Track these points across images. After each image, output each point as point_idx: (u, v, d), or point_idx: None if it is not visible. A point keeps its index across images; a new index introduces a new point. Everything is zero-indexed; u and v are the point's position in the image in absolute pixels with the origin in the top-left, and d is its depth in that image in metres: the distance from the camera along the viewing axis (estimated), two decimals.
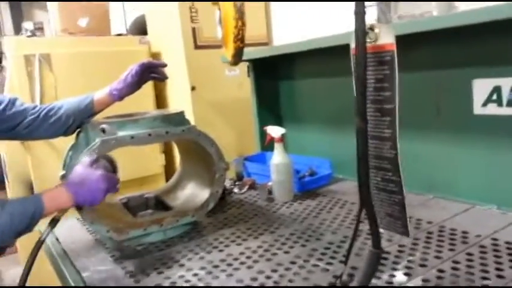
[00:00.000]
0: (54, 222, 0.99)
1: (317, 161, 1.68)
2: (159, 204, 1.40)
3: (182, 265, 1.04)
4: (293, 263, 1.00)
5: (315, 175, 1.63)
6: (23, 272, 0.93)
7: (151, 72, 1.25)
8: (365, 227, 1.08)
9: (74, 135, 1.24)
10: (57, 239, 1.25)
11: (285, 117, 2.03)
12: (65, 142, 1.24)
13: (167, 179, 2.59)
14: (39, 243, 0.95)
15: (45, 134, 1.15)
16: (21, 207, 0.87)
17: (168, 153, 2.74)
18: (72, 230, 1.31)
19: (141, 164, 2.44)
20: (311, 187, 1.56)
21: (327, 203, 1.40)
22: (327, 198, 1.45)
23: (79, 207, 1.00)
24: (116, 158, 1.12)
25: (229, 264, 1.02)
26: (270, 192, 1.50)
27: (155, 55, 2.52)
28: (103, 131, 1.12)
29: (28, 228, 0.90)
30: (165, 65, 1.26)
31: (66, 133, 1.20)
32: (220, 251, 1.10)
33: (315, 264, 0.98)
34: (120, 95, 1.21)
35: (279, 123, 1.95)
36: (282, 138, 1.47)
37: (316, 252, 1.04)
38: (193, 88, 2.43)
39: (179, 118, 1.25)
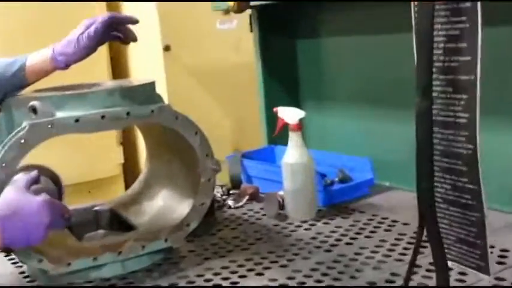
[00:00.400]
0: None
1: (351, 160, 1.67)
2: (116, 221, 1.40)
3: None
4: None
5: (349, 181, 1.63)
6: None
7: (115, 30, 1.24)
8: (424, 259, 1.08)
9: None
10: None
11: (304, 94, 2.03)
12: None
13: (127, 185, 2.59)
14: None
15: None
16: None
17: (129, 145, 2.75)
18: None
19: (89, 161, 2.45)
20: (342, 199, 1.57)
21: (366, 223, 1.40)
22: (365, 216, 1.45)
23: (5, 250, 1.00)
24: (52, 155, 1.12)
25: None
26: (281, 206, 1.50)
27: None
28: (33, 110, 1.11)
29: None
30: (136, 21, 1.25)
31: None
32: None
33: None
34: (68, 62, 1.22)
35: (296, 103, 1.95)
36: (301, 126, 1.47)
37: None
38: (167, 48, 2.43)
39: (147, 93, 1.25)
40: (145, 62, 2.53)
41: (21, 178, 1.01)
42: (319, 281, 1.11)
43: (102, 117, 1.14)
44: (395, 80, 1.66)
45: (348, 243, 1.29)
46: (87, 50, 1.21)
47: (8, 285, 1.22)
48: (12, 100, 1.18)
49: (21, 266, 1.29)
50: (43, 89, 1.27)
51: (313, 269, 1.16)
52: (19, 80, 1.19)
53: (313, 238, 1.33)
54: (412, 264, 0.81)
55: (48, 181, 1.02)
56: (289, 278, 1.13)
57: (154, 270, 1.22)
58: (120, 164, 2.66)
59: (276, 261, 1.22)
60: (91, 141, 2.37)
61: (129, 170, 2.71)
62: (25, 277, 1.25)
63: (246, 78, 2.48)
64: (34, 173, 1.02)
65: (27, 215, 0.94)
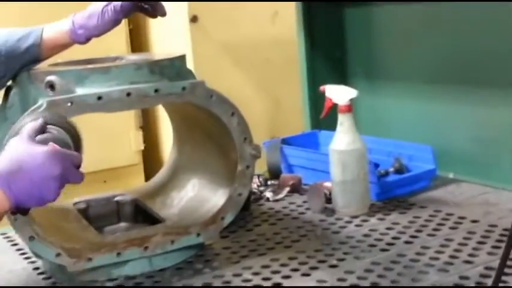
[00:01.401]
0: None
1: (410, 148, 1.67)
2: (140, 213, 1.43)
3: None
4: None
5: (406, 172, 1.62)
6: None
7: (142, 2, 1.25)
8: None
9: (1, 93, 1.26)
10: None
11: (353, 71, 2.02)
12: None
13: (147, 174, 2.62)
14: None
15: None
16: None
17: (149, 130, 2.78)
18: None
19: (104, 147, 2.48)
20: (399, 192, 1.56)
21: (428, 219, 1.40)
22: (427, 212, 1.44)
23: (20, 211, 1.01)
24: None
25: None
26: (328, 199, 1.50)
27: None
28: (51, 86, 1.13)
29: None
30: None
31: None
32: None
33: None
34: (88, 36, 1.23)
35: (343, 82, 1.94)
36: (351, 107, 1.47)
37: None
38: (194, 19, 2.43)
39: (177, 68, 1.26)
40: (168, 35, 2.54)
41: (27, 126, 1.00)
42: (375, 284, 1.11)
43: (128, 94, 1.16)
44: (465, 54, 1.64)
45: (407, 242, 1.28)
46: (111, 24, 1.22)
47: (19, 284, 1.25)
48: (27, 75, 1.20)
49: (34, 262, 1.32)
50: (60, 63, 1.29)
51: (367, 270, 1.16)
52: (33, 55, 1.21)
53: (366, 235, 1.33)
54: (504, 264, 0.78)
55: (60, 131, 1.02)
56: (340, 280, 1.13)
57: (185, 269, 1.24)
58: (140, 151, 2.69)
59: (324, 261, 1.22)
60: (107, 125, 2.41)
61: (150, 158, 2.73)
62: (39, 273, 1.28)
63: (283, 54, 2.47)
64: (40, 120, 1.01)
65: (33, 169, 0.93)
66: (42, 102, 1.10)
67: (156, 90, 1.18)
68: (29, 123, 1.01)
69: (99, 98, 1.13)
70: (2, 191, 0.93)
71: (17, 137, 0.98)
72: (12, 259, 1.36)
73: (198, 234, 1.26)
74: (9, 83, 1.24)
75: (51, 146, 0.96)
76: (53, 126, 1.01)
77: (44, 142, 0.97)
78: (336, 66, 2.02)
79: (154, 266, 1.24)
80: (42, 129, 1.00)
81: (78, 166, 1.00)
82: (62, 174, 0.95)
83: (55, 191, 0.96)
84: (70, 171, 0.97)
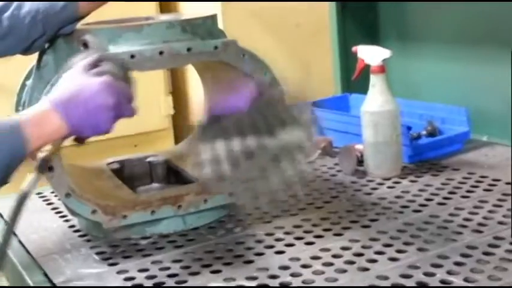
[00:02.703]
0: (42, 166, 1.01)
1: (443, 110, 1.65)
2: (172, 174, 1.44)
3: (217, 272, 1.07)
4: (406, 277, 0.99)
5: (439, 135, 1.60)
6: (1, 243, 0.99)
7: None
8: None
9: (34, 55, 1.27)
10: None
11: (385, 34, 1.99)
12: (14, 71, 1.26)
13: (177, 139, 2.64)
14: (21, 199, 0.98)
15: None
16: None
17: (179, 95, 2.78)
18: (32, 212, 1.37)
19: None
20: (431, 155, 1.55)
21: (462, 181, 1.39)
22: (460, 174, 1.43)
23: (78, 140, 1.03)
24: None
25: (296, 275, 1.03)
26: (360, 161, 1.50)
27: None
28: (84, 45, 1.13)
29: (4, 178, 0.94)
30: None
31: (27, 50, 1.23)
32: (279, 253, 1.12)
33: (445, 280, 0.97)
34: None
35: (375, 42, 1.91)
36: (384, 68, 1.45)
37: (447, 261, 1.03)
38: None
39: (208, 27, 1.25)
40: None
41: (84, 60, 1.02)
42: (408, 244, 1.10)
43: (161, 53, 1.16)
44: (499, 14, 1.61)
45: (440, 204, 1.28)
46: None
47: (55, 240, 1.27)
48: (62, 36, 1.21)
49: (69, 220, 1.35)
50: (93, 23, 1.30)
51: (400, 230, 1.16)
52: (70, 12, 1.20)
53: (399, 197, 1.33)
54: None
55: (114, 67, 1.03)
56: (373, 240, 1.14)
57: (218, 228, 1.25)
58: (169, 115, 2.70)
59: (357, 221, 1.22)
60: (138, 90, 2.41)
61: (180, 123, 2.75)
62: (75, 231, 1.30)
63: (313, 19, 2.45)
64: (94, 55, 1.03)
65: (89, 97, 0.96)
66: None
67: (188, 49, 1.18)
68: (83, 60, 1.02)
69: (132, 56, 1.13)
70: (59, 116, 0.95)
71: (72, 69, 1.00)
72: (48, 218, 1.39)
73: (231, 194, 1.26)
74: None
75: (107, 76, 0.98)
76: (107, 61, 1.03)
77: (100, 74, 0.99)
78: (367, 29, 1.99)
79: (187, 224, 1.25)
80: (96, 64, 1.01)
81: (131, 101, 1.01)
82: (116, 106, 0.98)
83: (109, 121, 0.99)
84: (124, 104, 1.00)
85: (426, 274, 0.99)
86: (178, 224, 1.24)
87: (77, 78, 0.98)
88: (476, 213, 1.21)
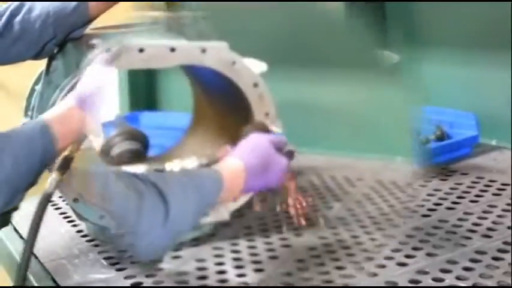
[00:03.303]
0: (63, 164, 0.99)
1: (451, 115, 1.64)
2: None
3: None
4: (415, 282, 0.99)
5: (448, 139, 1.59)
6: (25, 245, 0.97)
7: None
8: None
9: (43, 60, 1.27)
10: (16, 230, 1.32)
11: (393, 36, 1.97)
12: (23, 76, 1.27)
13: None
14: (45, 199, 0.97)
15: (4, 57, 1.19)
16: (27, 145, 0.89)
17: None
18: None
19: None
20: (440, 159, 1.53)
21: (471, 186, 1.38)
22: (469, 179, 1.43)
23: None
24: None
25: None
26: None
27: None
28: (93, 48, 1.13)
29: (36, 178, 0.92)
30: None
31: (38, 55, 1.22)
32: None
33: (454, 285, 0.96)
34: None
35: (383, 46, 1.90)
36: None
37: (456, 266, 1.02)
38: None
39: (198, 27, 1.21)
40: None
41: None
42: (416, 249, 1.10)
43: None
44: (507, 19, 1.60)
45: (449, 208, 1.27)
46: None
47: (63, 244, 1.27)
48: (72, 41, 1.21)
49: (77, 225, 1.34)
50: (100, 27, 1.29)
51: (409, 236, 1.16)
52: (81, 14, 1.19)
53: (407, 201, 1.32)
54: None
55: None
56: (381, 245, 1.13)
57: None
58: None
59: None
60: None
61: None
62: (83, 236, 1.30)
63: None
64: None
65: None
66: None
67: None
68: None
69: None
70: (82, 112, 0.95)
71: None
72: (55, 222, 1.38)
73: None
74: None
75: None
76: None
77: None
78: (374, 29, 1.98)
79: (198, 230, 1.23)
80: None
81: None
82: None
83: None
84: None
85: (435, 279, 0.99)
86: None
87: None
88: (486, 218, 1.20)
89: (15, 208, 0.94)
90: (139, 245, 0.79)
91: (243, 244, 1.16)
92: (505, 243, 1.09)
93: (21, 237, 1.27)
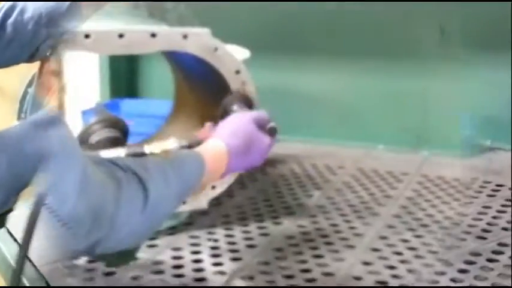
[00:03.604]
0: None
1: None
2: None
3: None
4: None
5: None
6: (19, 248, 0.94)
7: None
8: None
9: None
10: (10, 234, 1.28)
11: None
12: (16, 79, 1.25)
13: None
14: (39, 202, 0.94)
15: None
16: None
17: None
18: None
19: None
20: None
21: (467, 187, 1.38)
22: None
23: None
24: None
25: None
26: None
27: None
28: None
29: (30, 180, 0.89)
30: None
31: (32, 58, 1.18)
32: None
33: (448, 287, 0.95)
34: None
35: None
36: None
37: (451, 268, 1.00)
38: None
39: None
40: None
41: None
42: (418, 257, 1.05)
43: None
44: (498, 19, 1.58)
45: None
46: None
47: None
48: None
49: None
50: None
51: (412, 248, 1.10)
52: (74, 14, 1.15)
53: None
54: None
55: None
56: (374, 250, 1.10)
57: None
58: None
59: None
60: None
61: None
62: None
63: None
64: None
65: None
66: None
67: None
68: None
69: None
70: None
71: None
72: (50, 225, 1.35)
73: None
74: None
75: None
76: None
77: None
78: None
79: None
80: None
81: None
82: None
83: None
84: None
85: (435, 282, 0.96)
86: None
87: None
88: (480, 219, 1.19)
89: (10, 210, 0.91)
90: (115, 237, 0.77)
91: (220, 233, 1.15)
92: (500, 244, 1.08)
93: (15, 240, 1.24)
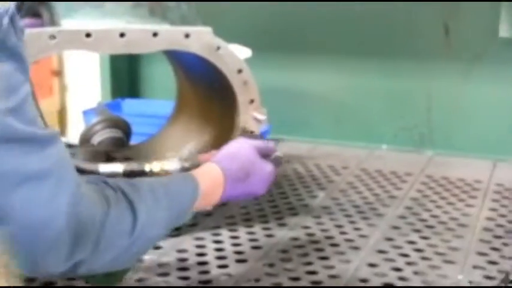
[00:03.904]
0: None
1: None
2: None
3: None
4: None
5: None
6: None
7: None
8: None
9: None
10: None
11: None
12: None
13: None
14: None
15: None
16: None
17: None
18: None
19: None
20: None
21: None
22: None
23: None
24: None
25: None
26: None
27: None
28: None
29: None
30: None
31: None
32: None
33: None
34: None
35: None
36: None
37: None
38: None
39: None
40: None
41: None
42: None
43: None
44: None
45: None
46: None
47: None
48: None
49: None
50: None
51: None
52: None
53: None
54: None
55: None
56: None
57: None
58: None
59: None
60: None
61: None
62: None
63: None
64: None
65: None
66: None
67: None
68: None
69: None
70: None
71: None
72: None
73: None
74: None
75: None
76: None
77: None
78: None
79: None
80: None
81: None
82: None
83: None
84: None
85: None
86: None
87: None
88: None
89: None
90: (99, 260, 0.73)
91: (225, 234, 1.14)
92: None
93: None
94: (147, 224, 0.75)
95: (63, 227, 0.65)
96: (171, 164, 1.00)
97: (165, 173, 0.99)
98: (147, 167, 1.02)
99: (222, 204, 1.23)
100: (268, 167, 0.97)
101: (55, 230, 0.65)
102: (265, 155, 0.98)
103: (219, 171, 0.91)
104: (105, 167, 1.01)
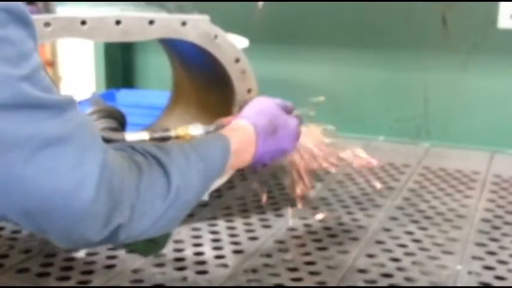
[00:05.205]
0: None
1: None
2: None
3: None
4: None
5: None
6: None
7: None
8: None
9: None
10: None
11: None
12: None
13: None
14: None
15: None
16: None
17: None
18: None
19: None
20: None
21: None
22: None
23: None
24: None
25: None
26: None
27: None
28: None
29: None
30: None
31: None
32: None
33: None
34: None
35: None
36: None
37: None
38: None
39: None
40: None
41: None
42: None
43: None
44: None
45: None
46: None
47: None
48: None
49: None
50: None
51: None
52: None
53: None
54: None
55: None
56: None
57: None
58: None
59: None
60: None
61: None
62: None
63: None
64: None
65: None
66: None
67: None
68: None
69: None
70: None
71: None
72: None
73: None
74: None
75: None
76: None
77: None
78: None
79: None
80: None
81: None
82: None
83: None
84: None
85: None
86: None
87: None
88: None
89: None
90: (138, 225, 0.73)
91: (221, 225, 1.13)
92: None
93: None
94: (181, 186, 0.74)
95: (93, 194, 0.63)
96: (196, 129, 0.99)
97: (190, 138, 0.98)
98: (173, 132, 1.00)
99: (219, 196, 1.23)
100: (293, 121, 0.95)
101: (84, 198, 0.63)
102: (286, 111, 0.96)
103: (250, 126, 0.89)
104: (131, 136, 1.00)
